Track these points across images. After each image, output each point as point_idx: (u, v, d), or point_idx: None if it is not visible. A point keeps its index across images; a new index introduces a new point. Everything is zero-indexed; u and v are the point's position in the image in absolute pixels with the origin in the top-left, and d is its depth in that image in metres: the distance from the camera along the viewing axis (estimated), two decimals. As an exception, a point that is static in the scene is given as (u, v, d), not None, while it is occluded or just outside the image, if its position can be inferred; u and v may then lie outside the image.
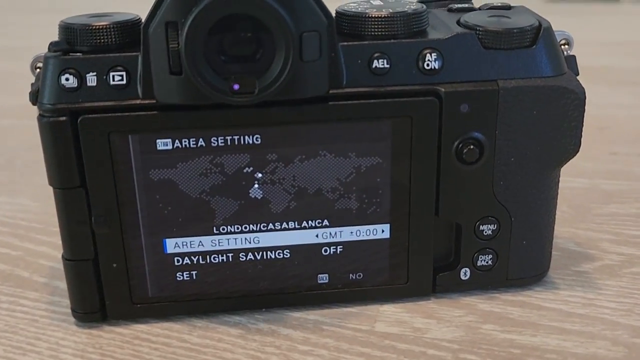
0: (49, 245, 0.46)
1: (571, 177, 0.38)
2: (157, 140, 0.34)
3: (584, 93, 0.35)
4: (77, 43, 0.34)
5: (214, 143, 0.35)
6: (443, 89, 0.35)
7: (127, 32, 0.34)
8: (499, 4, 0.39)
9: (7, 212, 0.50)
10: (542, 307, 0.38)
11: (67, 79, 0.34)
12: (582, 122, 0.36)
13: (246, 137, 0.35)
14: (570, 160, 0.37)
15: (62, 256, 0.37)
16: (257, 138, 0.35)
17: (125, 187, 0.35)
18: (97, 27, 0.34)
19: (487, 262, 0.38)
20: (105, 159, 0.34)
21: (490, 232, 0.38)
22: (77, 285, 0.37)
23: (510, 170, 0.36)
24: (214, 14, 0.31)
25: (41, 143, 0.35)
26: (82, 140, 0.34)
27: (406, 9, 0.35)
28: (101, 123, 0.34)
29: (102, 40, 0.34)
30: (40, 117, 0.34)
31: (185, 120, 0.34)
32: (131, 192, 0.35)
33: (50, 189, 0.35)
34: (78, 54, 0.34)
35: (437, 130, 0.35)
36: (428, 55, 0.35)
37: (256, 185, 0.36)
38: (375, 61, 0.35)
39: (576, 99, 0.35)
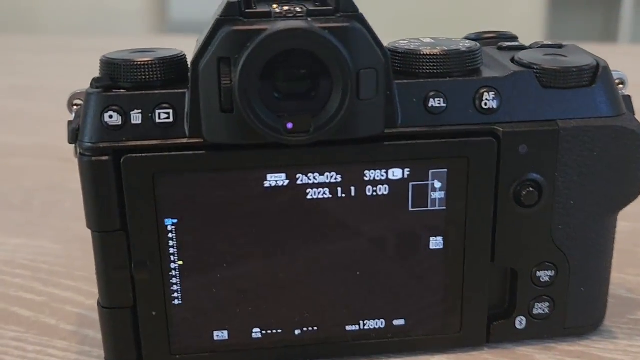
0: (74, 291, 0.44)
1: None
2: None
3: (645, 133, 0.34)
4: (120, 79, 0.33)
5: (267, 184, 0.33)
6: (501, 129, 0.33)
7: (172, 69, 0.33)
8: (551, 43, 0.38)
9: (27, 255, 0.48)
10: (603, 357, 0.36)
11: (110, 117, 0.32)
12: (642, 161, 0.35)
13: (301, 176, 0.33)
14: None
15: (98, 303, 0.35)
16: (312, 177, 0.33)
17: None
18: (142, 62, 0.32)
19: (544, 310, 0.36)
20: (148, 200, 0.33)
21: (547, 278, 0.36)
22: (114, 334, 0.35)
23: (570, 213, 0.35)
24: (270, 51, 0.30)
25: (81, 183, 0.33)
26: (125, 181, 0.32)
27: (460, 47, 0.34)
28: (146, 162, 0.32)
29: (147, 77, 0.33)
30: (81, 156, 0.32)
31: (234, 161, 0.33)
32: (174, 235, 0.33)
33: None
34: (122, 90, 0.33)
35: (495, 172, 0.34)
36: (485, 94, 0.33)
37: (305, 229, 0.34)
38: (432, 100, 0.33)
39: (637, 140, 0.34)
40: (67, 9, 1.32)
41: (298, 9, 0.32)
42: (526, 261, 0.36)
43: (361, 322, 0.36)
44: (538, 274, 0.36)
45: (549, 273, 0.36)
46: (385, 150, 0.33)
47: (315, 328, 0.36)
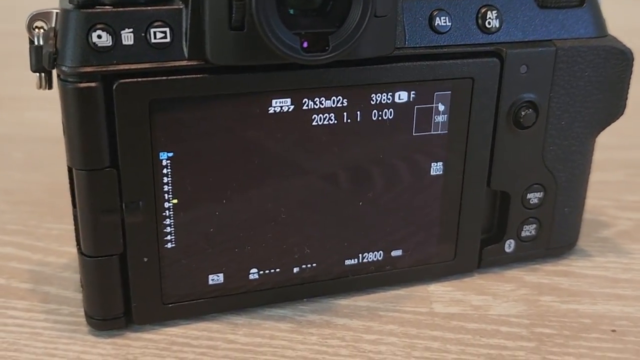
0: (14, 246, 0.38)
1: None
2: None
3: (632, 54, 0.35)
4: (101, -6, 0.28)
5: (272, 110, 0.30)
6: (505, 49, 0.33)
7: (160, -17, 0.29)
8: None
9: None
10: (587, 275, 0.37)
11: (99, 37, 0.28)
12: (629, 83, 0.35)
13: (307, 100, 0.31)
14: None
15: (80, 252, 0.31)
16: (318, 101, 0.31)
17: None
18: (127, -25, 0.28)
19: (531, 232, 0.37)
20: (143, 132, 0.29)
21: (536, 200, 0.36)
22: (100, 286, 0.31)
23: (560, 134, 0.35)
24: (290, -43, 0.27)
25: (63, 114, 0.29)
26: (118, 110, 0.28)
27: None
28: (141, 88, 0.28)
29: (133, -9, 0.29)
30: (64, 82, 0.28)
31: (238, 84, 0.30)
32: (170, 171, 0.30)
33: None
34: (107, 6, 0.28)
35: (497, 93, 0.33)
36: (488, 12, 0.33)
37: (310, 159, 0.32)
38: (437, 18, 0.32)
39: (625, 60, 0.35)
40: None
41: None
42: (519, 184, 0.36)
43: (360, 255, 0.34)
44: (528, 196, 0.36)
45: (538, 195, 0.36)
46: (393, 72, 0.31)
47: (314, 265, 0.34)
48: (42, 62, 0.29)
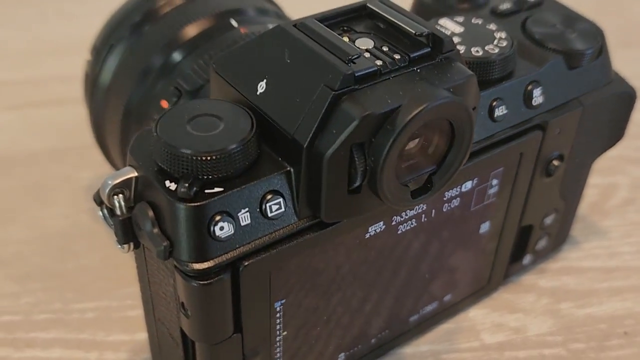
0: (62, 345, 0.37)
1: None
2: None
3: (635, 92, 0.38)
4: (207, 172, 0.27)
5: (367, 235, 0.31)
6: (547, 120, 0.35)
7: (256, 144, 0.28)
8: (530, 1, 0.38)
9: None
10: (583, 268, 0.43)
11: (222, 228, 0.26)
12: (630, 115, 0.39)
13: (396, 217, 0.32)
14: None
15: (199, 398, 0.31)
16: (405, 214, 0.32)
17: (277, 313, 0.31)
18: (235, 149, 0.26)
19: (543, 246, 0.41)
20: (264, 297, 0.29)
21: (550, 221, 0.40)
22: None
23: (574, 169, 0.39)
24: (412, 128, 0.27)
25: (187, 304, 0.28)
26: (243, 289, 0.28)
27: (504, 47, 0.33)
28: (264, 264, 0.28)
29: (238, 164, 0.27)
30: (188, 278, 0.27)
31: (343, 229, 0.30)
32: (282, 314, 0.31)
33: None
34: (216, 188, 0.27)
35: (537, 156, 0.36)
36: (534, 90, 0.34)
37: (393, 260, 0.34)
38: (496, 109, 0.33)
39: (631, 100, 0.38)
40: None
41: (397, 56, 0.28)
42: (541, 215, 0.39)
43: (421, 311, 0.38)
44: (545, 220, 0.40)
45: (552, 217, 0.40)
46: (464, 171, 0.33)
47: (387, 331, 0.37)
48: (145, 241, 0.28)
